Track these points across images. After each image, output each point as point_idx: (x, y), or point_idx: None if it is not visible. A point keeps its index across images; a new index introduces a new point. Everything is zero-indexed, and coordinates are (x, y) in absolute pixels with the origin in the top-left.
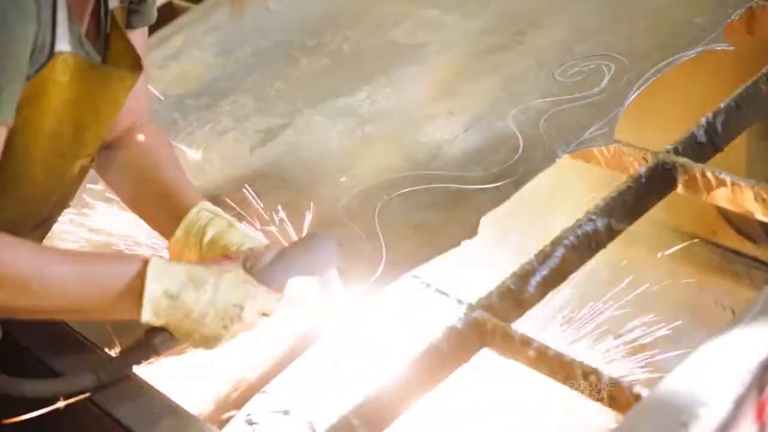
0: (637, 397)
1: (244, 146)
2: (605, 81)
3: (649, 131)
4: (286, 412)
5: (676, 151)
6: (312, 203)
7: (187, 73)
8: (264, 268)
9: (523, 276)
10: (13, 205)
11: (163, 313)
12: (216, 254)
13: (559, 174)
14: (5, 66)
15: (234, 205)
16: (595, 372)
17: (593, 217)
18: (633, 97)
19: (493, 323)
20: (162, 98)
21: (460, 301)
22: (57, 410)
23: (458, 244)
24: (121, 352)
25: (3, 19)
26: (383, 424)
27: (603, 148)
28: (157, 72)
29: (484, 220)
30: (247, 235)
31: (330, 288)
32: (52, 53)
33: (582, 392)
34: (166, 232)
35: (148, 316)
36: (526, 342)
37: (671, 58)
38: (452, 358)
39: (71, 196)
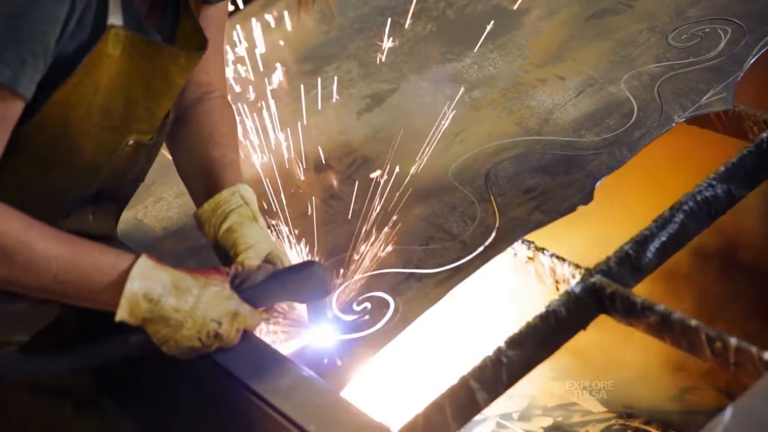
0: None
1: (350, 111)
2: (721, 45)
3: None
4: None
5: None
6: (421, 169)
7: (290, 39)
8: (252, 287)
9: (641, 242)
10: (62, 176)
11: (140, 315)
12: (226, 244)
13: (674, 139)
14: (32, 41)
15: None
16: (720, 338)
17: (713, 182)
18: (752, 61)
19: (612, 288)
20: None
21: (577, 266)
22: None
23: (573, 209)
24: (96, 342)
25: None
26: (501, 388)
27: (721, 113)
28: (259, 38)
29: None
30: (262, 236)
31: (318, 316)
32: (104, 27)
33: (707, 360)
34: (199, 206)
35: (123, 314)
36: (648, 307)
37: None
38: (570, 324)
39: (130, 173)
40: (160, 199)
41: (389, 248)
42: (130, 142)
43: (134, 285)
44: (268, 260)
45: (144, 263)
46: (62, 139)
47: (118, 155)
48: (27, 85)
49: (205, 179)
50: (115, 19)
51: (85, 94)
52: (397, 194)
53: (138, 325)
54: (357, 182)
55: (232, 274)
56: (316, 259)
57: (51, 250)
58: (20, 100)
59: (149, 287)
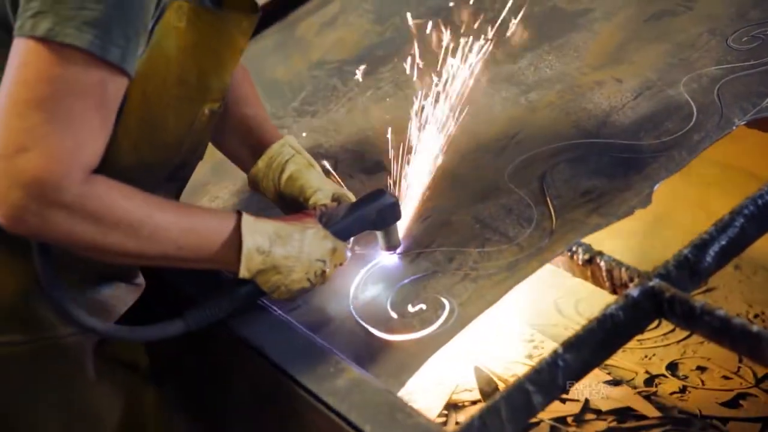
0: None
1: (405, 112)
2: None
3: None
4: None
5: None
6: (476, 171)
7: (345, 40)
8: (339, 223)
9: (701, 245)
10: (149, 153)
11: (255, 268)
12: (292, 192)
13: (734, 143)
14: (135, 20)
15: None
16: None
17: None
18: None
19: (671, 292)
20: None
21: (635, 270)
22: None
23: (631, 212)
24: (209, 301)
25: None
26: (557, 391)
27: None
28: (314, 39)
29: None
30: (323, 179)
31: (391, 241)
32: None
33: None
34: (246, 166)
35: (243, 271)
36: (708, 312)
37: None
38: (627, 328)
39: (201, 144)
40: (216, 198)
41: (443, 248)
42: (206, 111)
43: (248, 240)
44: (335, 199)
45: (247, 219)
46: (147, 116)
47: (197, 126)
48: (131, 63)
49: (243, 138)
50: None
51: (158, 64)
52: (452, 195)
53: (250, 278)
54: (410, 183)
55: (319, 215)
56: None
57: (169, 219)
58: (126, 79)
59: (258, 241)
